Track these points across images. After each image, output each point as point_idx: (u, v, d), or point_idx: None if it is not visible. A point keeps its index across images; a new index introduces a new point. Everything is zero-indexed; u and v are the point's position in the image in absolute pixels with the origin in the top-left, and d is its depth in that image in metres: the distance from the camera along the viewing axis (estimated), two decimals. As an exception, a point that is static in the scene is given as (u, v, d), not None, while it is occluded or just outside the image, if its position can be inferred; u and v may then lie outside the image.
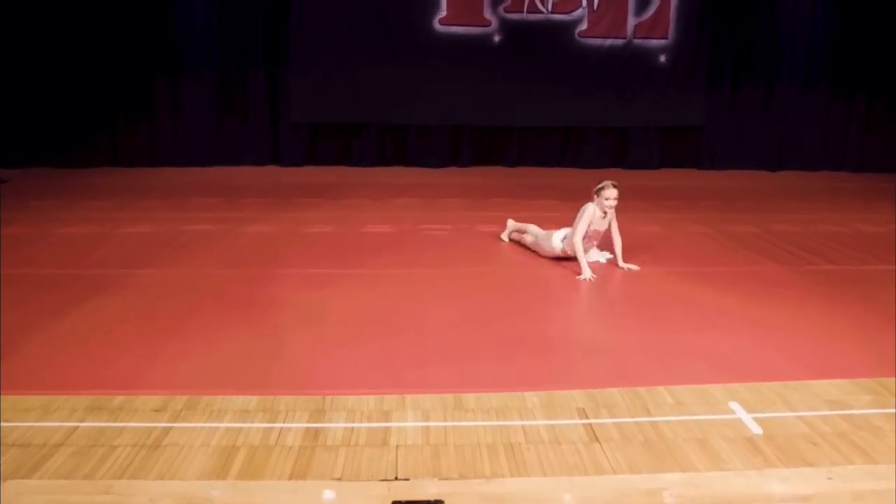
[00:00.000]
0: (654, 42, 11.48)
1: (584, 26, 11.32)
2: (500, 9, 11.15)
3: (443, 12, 11.07)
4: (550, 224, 6.90)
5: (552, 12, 11.21)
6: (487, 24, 11.17)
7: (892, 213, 8.83)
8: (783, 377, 4.27)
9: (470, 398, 3.89)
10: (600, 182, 6.40)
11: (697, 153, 12.00)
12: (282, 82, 11.13)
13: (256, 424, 3.56)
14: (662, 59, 11.53)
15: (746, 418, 3.78)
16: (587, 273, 6.05)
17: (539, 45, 11.22)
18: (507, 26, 11.20)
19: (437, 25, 11.10)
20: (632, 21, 11.37)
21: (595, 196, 6.34)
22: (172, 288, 5.66)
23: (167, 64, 10.93)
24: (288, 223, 7.86)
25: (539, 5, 11.17)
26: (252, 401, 3.78)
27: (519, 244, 7.11)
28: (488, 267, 6.47)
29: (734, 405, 3.91)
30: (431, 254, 6.88)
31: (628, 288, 6.08)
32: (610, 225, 6.44)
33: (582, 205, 6.42)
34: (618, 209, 6.44)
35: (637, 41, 11.44)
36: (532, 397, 3.92)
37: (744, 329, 5.03)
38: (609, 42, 11.39)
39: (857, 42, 11.80)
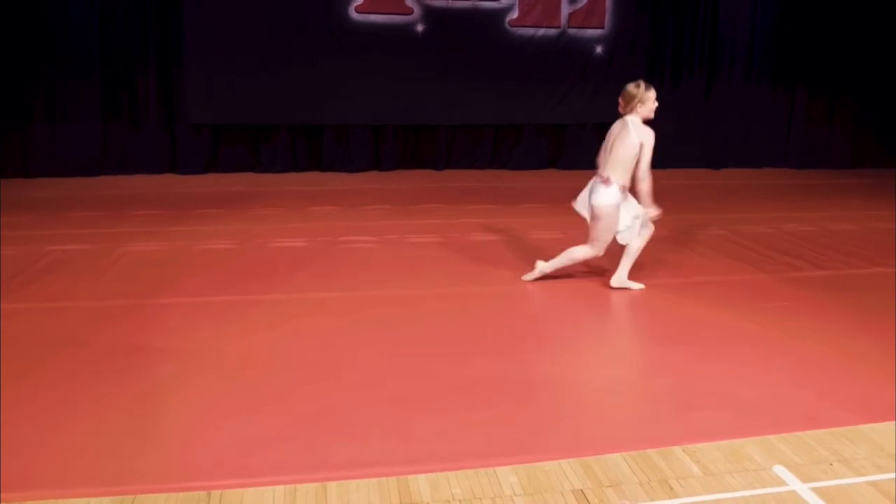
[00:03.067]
0: (590, 32, 10.57)
1: (514, 15, 10.32)
2: (424, -5, 10.09)
3: (359, -1, 9.94)
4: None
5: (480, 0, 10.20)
6: (409, 12, 10.04)
7: (859, 210, 8.26)
8: (827, 422, 3.29)
9: (422, 482, 2.75)
10: (634, 86, 5.15)
11: (638, 151, 11.16)
12: (177, 80, 9.72)
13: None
14: (599, 50, 10.64)
15: (802, 489, 2.75)
16: (654, 210, 5.13)
17: (466, 35, 10.16)
18: (431, 15, 10.09)
19: (353, 14, 9.90)
20: (566, 9, 10.44)
21: (637, 106, 5.09)
22: (11, 330, 4.31)
23: (42, 61, 9.40)
24: (182, 239, 6.55)
25: (466, -9, 10.15)
26: (101, 506, 2.55)
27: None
28: (430, 287, 5.34)
29: (780, 470, 2.89)
30: (355, 271, 5.71)
31: (611, 307, 5.06)
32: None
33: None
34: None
35: (572, 31, 10.52)
36: (509, 475, 2.81)
37: (757, 356, 4.09)
38: (542, 32, 10.43)
39: (799, 34, 11.18)
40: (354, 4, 9.92)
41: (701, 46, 11.03)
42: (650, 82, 10.82)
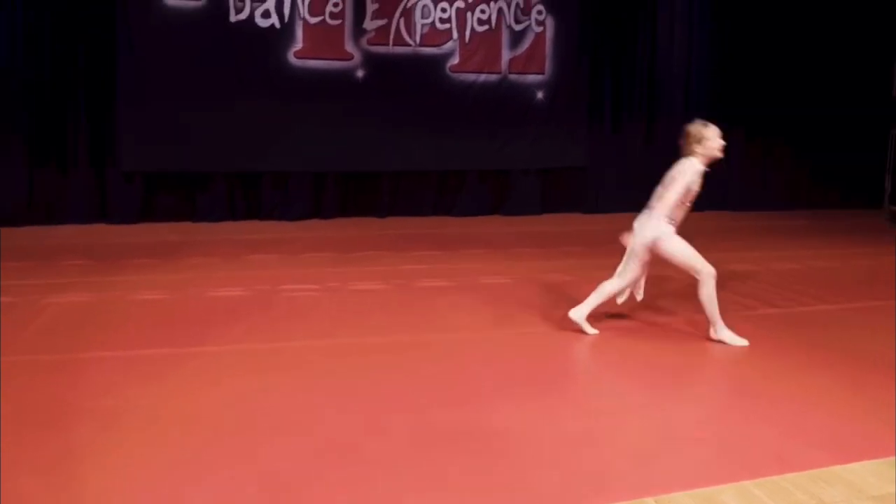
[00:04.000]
0: (531, 77, 10.62)
1: (455, 60, 10.31)
2: (364, 41, 9.96)
3: (298, 45, 9.74)
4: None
5: (421, 45, 10.14)
6: (349, 57, 9.94)
7: (800, 249, 8.37)
8: (799, 463, 3.15)
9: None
10: (693, 125, 4.87)
11: (581, 195, 11.17)
12: (109, 125, 9.38)
13: None
14: (540, 95, 10.68)
15: (785, 538, 2.57)
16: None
17: (407, 81, 10.09)
18: (371, 60, 10.00)
19: (292, 59, 9.73)
20: (506, 55, 10.48)
21: (694, 146, 4.82)
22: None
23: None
24: (113, 290, 6.17)
25: (406, 37, 10.06)
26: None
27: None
28: (377, 335, 5.08)
29: (759, 518, 2.71)
30: (297, 321, 5.43)
31: (567, 353, 4.87)
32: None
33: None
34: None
35: (513, 76, 10.55)
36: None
37: (719, 397, 3.96)
38: (483, 78, 10.43)
39: (734, 79, 11.45)
40: (293, 50, 9.77)
41: (640, 91, 11.20)
42: (591, 127, 11.05)
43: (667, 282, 6.65)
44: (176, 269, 7.08)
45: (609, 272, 7.00)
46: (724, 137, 4.91)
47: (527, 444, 3.39)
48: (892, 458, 3.23)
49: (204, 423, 3.54)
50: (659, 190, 5.03)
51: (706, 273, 4.89)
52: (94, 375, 4.19)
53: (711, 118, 11.38)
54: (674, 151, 11.02)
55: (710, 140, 4.80)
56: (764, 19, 11.43)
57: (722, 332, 4.90)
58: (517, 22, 10.43)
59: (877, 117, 11.98)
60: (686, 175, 4.80)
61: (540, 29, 10.52)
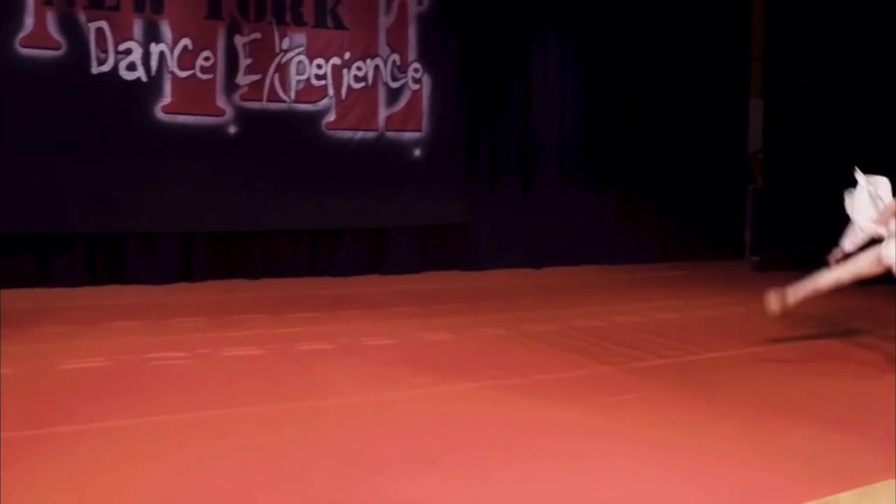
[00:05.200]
0: (408, 135, 10.55)
1: (331, 117, 10.10)
2: (236, 96, 9.60)
3: (167, 99, 9.27)
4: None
5: (295, 101, 9.88)
6: (221, 113, 9.55)
7: (678, 300, 8.60)
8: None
9: None
10: None
11: (461, 253, 11.11)
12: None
13: None
14: (417, 153, 10.62)
15: None
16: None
17: (282, 137, 9.77)
18: (244, 116, 9.64)
19: (159, 114, 9.25)
20: (383, 112, 10.39)
21: None
22: None
23: None
24: (-51, 365, 5.48)
25: (281, 93, 9.78)
26: None
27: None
28: (254, 404, 4.68)
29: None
30: (165, 392, 4.95)
31: (455, 416, 4.60)
32: None
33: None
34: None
35: (390, 134, 10.44)
36: None
37: (621, 452, 3.81)
38: (360, 135, 10.26)
39: (605, 138, 11.81)
40: (161, 104, 9.30)
41: (516, 149, 11.33)
42: (469, 184, 11.10)
43: (542, 340, 6.61)
44: (26, 339, 6.38)
45: (493, 328, 6.94)
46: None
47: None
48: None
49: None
50: None
51: None
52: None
53: (585, 177, 11.91)
54: (549, 208, 11.36)
55: None
56: (629, 84, 11.91)
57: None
58: (394, 79, 10.38)
59: (735, 175, 12.68)
60: None
61: (417, 87, 10.51)
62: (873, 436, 4.14)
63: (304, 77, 9.92)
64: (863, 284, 5.91)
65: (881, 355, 6.15)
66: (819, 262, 10.50)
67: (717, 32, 12.36)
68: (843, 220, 9.93)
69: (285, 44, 9.80)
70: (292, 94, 9.88)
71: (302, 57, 9.89)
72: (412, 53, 10.49)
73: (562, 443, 4.00)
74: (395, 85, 10.40)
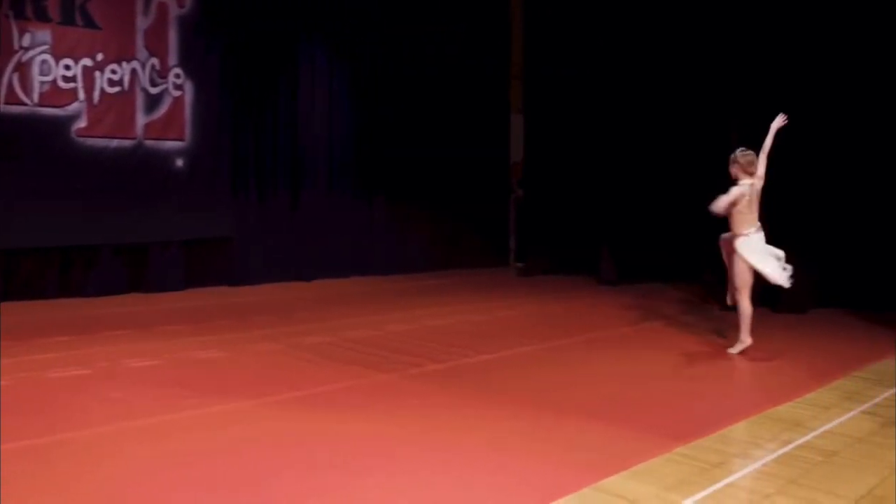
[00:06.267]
0: (170, 144, 9.96)
1: (82, 123, 9.27)
2: (-35, 97, 8.58)
3: None
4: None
5: (39, 104, 8.96)
6: (-53, 116, 8.49)
7: (450, 306, 8.85)
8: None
9: None
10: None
11: (228, 268, 10.66)
12: None
13: None
14: (180, 163, 10.06)
15: None
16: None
17: (24, 144, 8.82)
18: (-25, 120, 8.64)
19: None
20: (141, 119, 9.71)
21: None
22: None
23: None
24: None
25: (22, 95, 8.81)
26: None
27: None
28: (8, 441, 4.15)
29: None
30: None
31: (242, 439, 4.36)
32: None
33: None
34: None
35: (149, 143, 9.80)
36: None
37: (416, 459, 3.81)
38: (116, 143, 9.53)
39: (373, 148, 11.91)
40: None
41: (285, 160, 11.11)
42: (236, 196, 10.75)
43: (317, 352, 6.53)
44: None
45: (266, 343, 6.72)
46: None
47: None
48: (584, 491, 3.42)
49: None
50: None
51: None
52: None
53: (354, 188, 11.94)
54: (318, 220, 11.24)
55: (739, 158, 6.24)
56: (398, 96, 12.12)
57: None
58: (153, 85, 9.77)
59: (498, 186, 13.36)
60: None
61: (178, 93, 9.97)
62: (625, 420, 4.49)
63: (48, 78, 9.04)
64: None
65: (625, 348, 6.71)
66: (580, 266, 11.47)
67: (479, 52, 12.94)
68: (598, 227, 10.94)
69: (26, 40, 8.88)
70: (35, 97, 8.98)
71: (46, 56, 9.01)
72: (173, 58, 9.95)
73: (351, 454, 3.92)
74: (154, 91, 9.79)
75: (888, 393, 5.29)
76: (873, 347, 6.71)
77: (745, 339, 6.31)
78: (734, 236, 6.22)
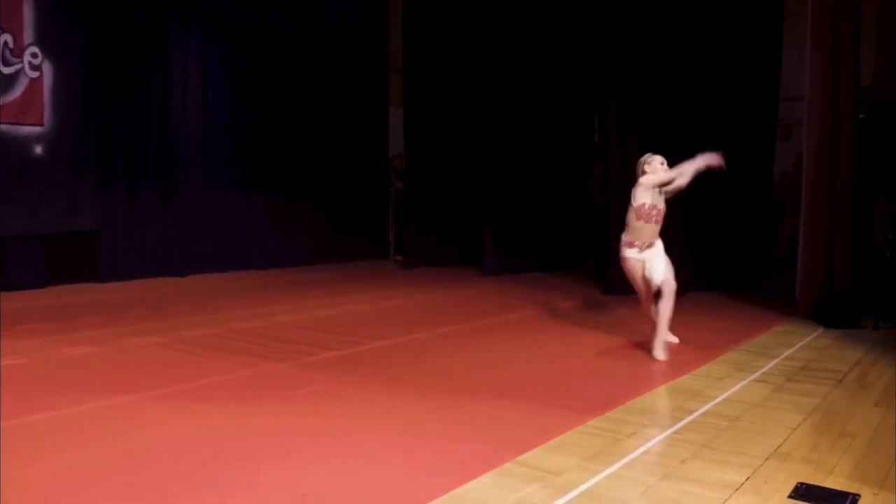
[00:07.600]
0: (27, 129, 9.14)
1: (-76, 104, 8.45)
2: None
3: None
4: None
5: None
6: None
7: (336, 297, 8.63)
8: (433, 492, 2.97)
9: None
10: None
11: (94, 263, 9.95)
12: None
13: None
14: (39, 150, 9.28)
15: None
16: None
17: None
18: None
19: None
20: (-7, 102, 8.93)
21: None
22: None
23: None
24: None
25: None
26: None
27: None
28: None
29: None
30: None
31: (110, 434, 3.99)
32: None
33: None
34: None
35: (4, 127, 8.98)
36: None
37: (318, 447, 3.60)
38: (-36, 127, 8.72)
39: (252, 141, 11.43)
40: None
41: (156, 150, 10.48)
42: (103, 188, 10.01)
43: (202, 345, 6.21)
44: None
45: (143, 337, 6.27)
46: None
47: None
48: (506, 466, 3.35)
49: None
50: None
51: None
52: None
53: (231, 181, 11.45)
54: (193, 214, 10.73)
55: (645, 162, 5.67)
56: (276, 88, 11.66)
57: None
58: (6, 64, 8.91)
59: (378, 179, 13.20)
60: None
61: (36, 74, 9.17)
62: (533, 399, 4.45)
63: None
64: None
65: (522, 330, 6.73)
66: (462, 257, 11.43)
67: (357, 45, 12.68)
68: (480, 218, 10.95)
69: None
70: None
71: None
72: (29, 35, 9.12)
73: (255, 445, 3.66)
74: (7, 70, 8.94)
75: (773, 362, 5.53)
76: (751, 324, 7.01)
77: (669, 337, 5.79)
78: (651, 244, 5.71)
